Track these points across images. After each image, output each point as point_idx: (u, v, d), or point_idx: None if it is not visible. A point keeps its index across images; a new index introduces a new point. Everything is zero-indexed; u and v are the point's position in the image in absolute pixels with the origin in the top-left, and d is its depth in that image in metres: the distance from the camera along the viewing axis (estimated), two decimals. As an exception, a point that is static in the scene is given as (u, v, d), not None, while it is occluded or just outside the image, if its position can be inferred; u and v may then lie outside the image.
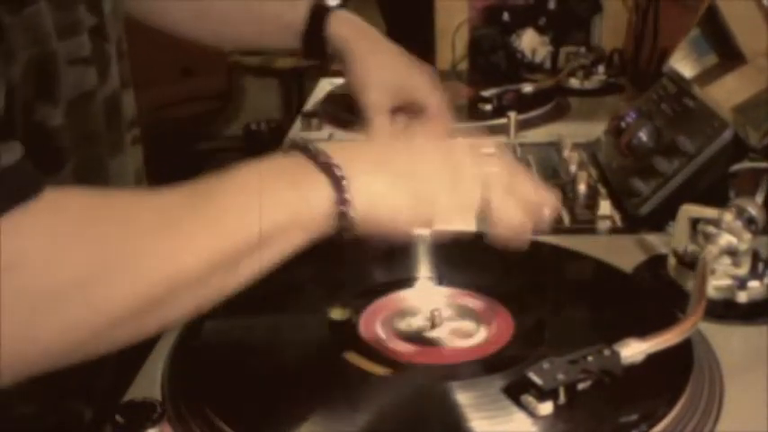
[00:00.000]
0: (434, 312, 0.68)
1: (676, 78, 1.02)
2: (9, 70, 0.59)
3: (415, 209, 0.57)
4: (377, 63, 0.96)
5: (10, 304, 0.44)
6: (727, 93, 0.94)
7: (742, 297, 0.71)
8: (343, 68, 0.99)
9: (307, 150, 0.55)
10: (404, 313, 0.70)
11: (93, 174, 0.71)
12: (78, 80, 0.68)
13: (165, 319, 0.52)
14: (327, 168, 0.54)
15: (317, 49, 0.98)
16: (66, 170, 0.67)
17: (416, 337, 0.66)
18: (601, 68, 1.48)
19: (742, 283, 0.71)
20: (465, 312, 0.69)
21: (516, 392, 0.56)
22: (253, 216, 0.51)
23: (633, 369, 0.56)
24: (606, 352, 0.56)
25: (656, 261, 0.79)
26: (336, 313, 0.69)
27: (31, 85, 0.62)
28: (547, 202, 0.62)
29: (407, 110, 0.96)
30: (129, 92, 0.80)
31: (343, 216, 0.54)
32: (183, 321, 0.62)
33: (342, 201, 0.53)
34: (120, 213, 0.50)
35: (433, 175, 0.58)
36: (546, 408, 0.54)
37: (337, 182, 0.53)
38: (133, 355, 0.66)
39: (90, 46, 0.69)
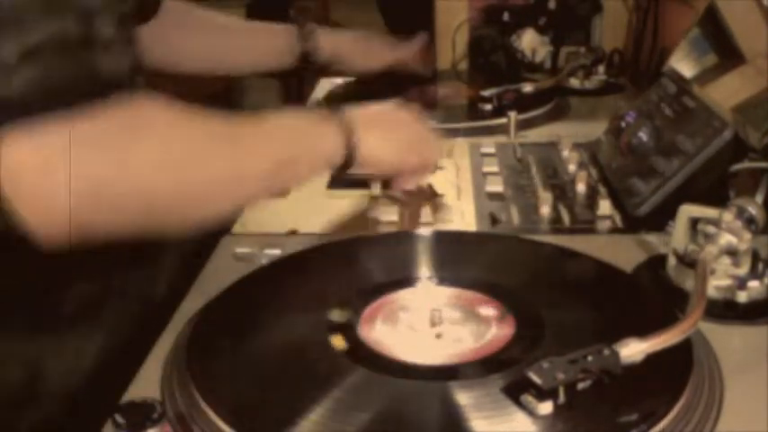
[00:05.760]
0: (434, 312, 0.68)
1: (676, 78, 1.02)
2: None
3: (396, 157, 0.80)
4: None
5: None
6: (727, 93, 0.94)
7: (742, 297, 0.71)
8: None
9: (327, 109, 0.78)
10: (403, 313, 0.69)
11: None
12: None
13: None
14: (342, 122, 0.75)
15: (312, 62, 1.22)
16: None
17: (416, 337, 0.66)
18: (601, 68, 1.48)
19: (742, 283, 0.71)
20: (465, 312, 0.69)
21: (516, 392, 0.56)
22: (287, 142, 0.72)
23: (633, 369, 0.56)
24: (606, 352, 0.56)
25: (656, 261, 0.79)
26: (336, 314, 0.69)
27: None
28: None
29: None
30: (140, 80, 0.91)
31: (350, 155, 0.74)
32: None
33: (350, 144, 0.74)
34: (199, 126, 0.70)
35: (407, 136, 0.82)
36: (546, 407, 0.54)
37: (349, 131, 0.75)
38: (130, 356, 0.66)
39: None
